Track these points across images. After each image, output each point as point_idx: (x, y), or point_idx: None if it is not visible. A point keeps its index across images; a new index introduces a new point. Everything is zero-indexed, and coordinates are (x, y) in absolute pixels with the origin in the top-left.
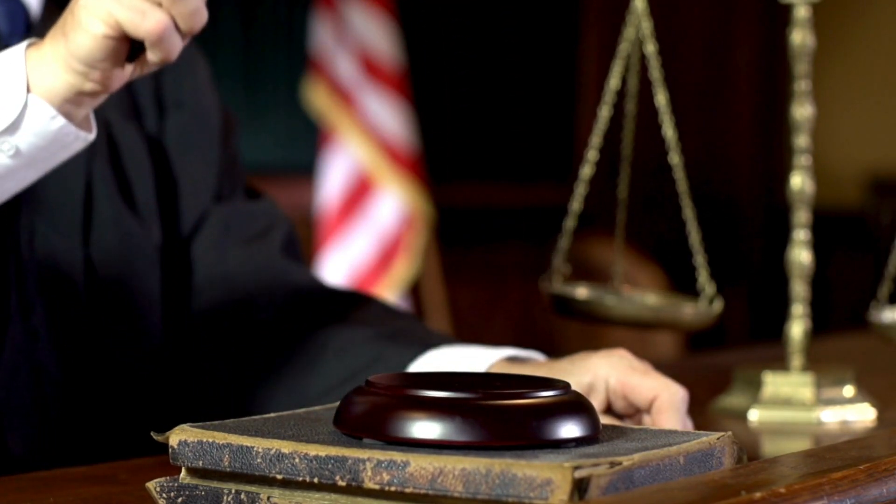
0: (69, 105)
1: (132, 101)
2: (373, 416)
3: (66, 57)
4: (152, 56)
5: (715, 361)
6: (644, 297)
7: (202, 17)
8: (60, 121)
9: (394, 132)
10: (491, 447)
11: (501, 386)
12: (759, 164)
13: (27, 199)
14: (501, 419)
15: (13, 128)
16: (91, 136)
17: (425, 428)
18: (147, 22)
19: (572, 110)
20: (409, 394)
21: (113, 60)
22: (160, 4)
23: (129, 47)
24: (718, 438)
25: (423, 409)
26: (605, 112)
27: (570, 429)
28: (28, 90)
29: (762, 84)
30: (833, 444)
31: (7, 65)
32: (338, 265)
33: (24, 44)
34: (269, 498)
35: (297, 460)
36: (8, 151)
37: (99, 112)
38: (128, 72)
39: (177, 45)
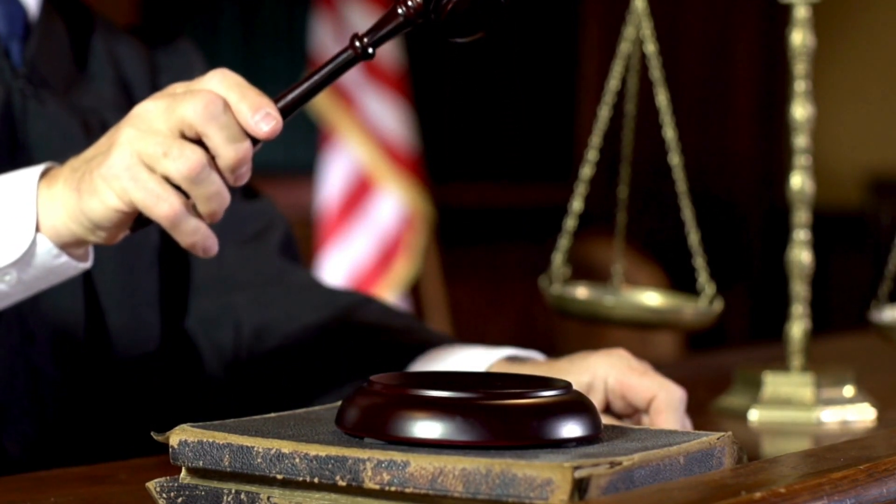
0: (71, 247)
1: (131, 101)
2: (373, 415)
3: (76, 211)
4: (175, 235)
5: (715, 361)
6: (644, 297)
7: (224, 199)
8: (63, 258)
9: (394, 132)
10: (491, 447)
11: (501, 386)
12: (759, 164)
13: None
14: (501, 419)
15: (19, 262)
16: (87, 265)
17: (426, 428)
18: (160, 207)
19: (572, 110)
20: (410, 394)
21: (120, 227)
22: (178, 187)
23: (137, 215)
24: (718, 438)
25: (423, 409)
26: (605, 112)
27: (570, 428)
28: (37, 228)
29: (762, 84)
30: (833, 444)
31: (19, 198)
32: (338, 265)
33: (37, 173)
34: (269, 498)
35: (297, 460)
36: (9, 281)
37: (98, 112)
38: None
39: (195, 229)
